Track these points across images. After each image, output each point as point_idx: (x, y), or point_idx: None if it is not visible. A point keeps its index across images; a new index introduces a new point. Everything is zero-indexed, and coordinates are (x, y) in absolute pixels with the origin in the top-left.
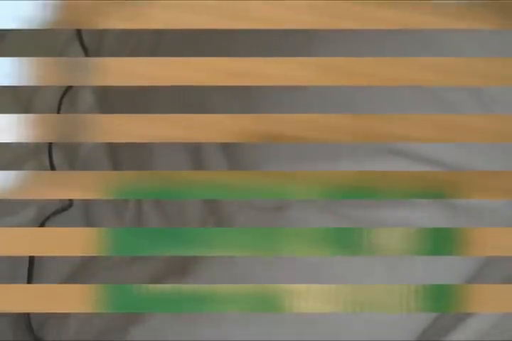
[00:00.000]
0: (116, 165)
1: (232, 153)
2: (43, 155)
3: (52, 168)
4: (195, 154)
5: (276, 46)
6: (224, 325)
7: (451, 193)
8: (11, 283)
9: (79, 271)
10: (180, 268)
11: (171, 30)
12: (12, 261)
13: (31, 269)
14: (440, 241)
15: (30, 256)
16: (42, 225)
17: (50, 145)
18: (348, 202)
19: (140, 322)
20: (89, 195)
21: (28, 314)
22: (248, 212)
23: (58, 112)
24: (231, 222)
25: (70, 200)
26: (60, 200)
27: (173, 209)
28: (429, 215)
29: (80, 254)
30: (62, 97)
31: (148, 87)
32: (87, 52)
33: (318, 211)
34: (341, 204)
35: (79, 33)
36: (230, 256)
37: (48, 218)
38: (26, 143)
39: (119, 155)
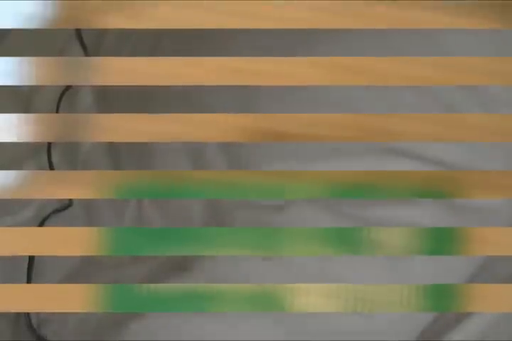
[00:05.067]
0: (116, 165)
1: (233, 153)
2: (42, 155)
3: (51, 167)
4: (196, 153)
5: (278, 45)
6: (225, 320)
7: (451, 192)
8: (10, 283)
9: (79, 270)
10: (181, 267)
11: (171, 29)
12: (12, 261)
13: (31, 269)
14: (441, 241)
15: (29, 256)
16: (41, 225)
17: (49, 144)
18: (349, 201)
19: (139, 317)
20: (89, 195)
21: (28, 313)
22: (249, 212)
23: (57, 112)
24: (232, 222)
25: (70, 200)
26: (60, 200)
27: (174, 208)
28: (429, 215)
29: (79, 254)
30: (61, 97)
31: (148, 86)
32: (86, 52)
33: (320, 210)
34: (342, 203)
35: (79, 32)
36: (231, 256)
37: (47, 217)
38: (25, 142)
39: (118, 155)
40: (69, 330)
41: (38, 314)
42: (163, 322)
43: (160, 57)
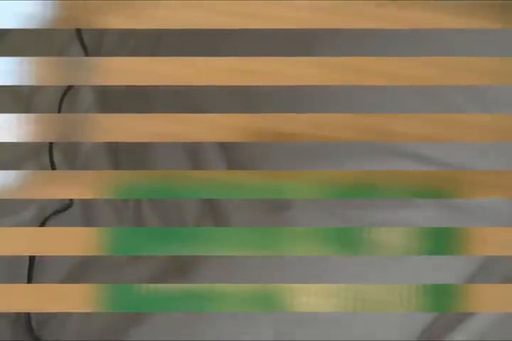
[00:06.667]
0: (116, 165)
1: (232, 153)
2: (43, 155)
3: (53, 167)
4: (195, 153)
5: (277, 45)
6: (222, 327)
7: (451, 192)
8: (11, 283)
9: (79, 270)
10: (180, 268)
11: (171, 29)
12: (12, 260)
13: (31, 269)
14: (440, 241)
15: (30, 256)
16: (42, 225)
17: (50, 144)
18: (348, 203)
19: (140, 323)
20: (89, 195)
21: (28, 314)
22: (248, 212)
23: (59, 112)
24: (230, 222)
25: (70, 200)
26: (60, 200)
27: (173, 208)
28: (429, 215)
29: (79, 254)
30: (63, 97)
31: (148, 86)
32: (87, 52)
33: (319, 211)
34: (342, 204)
35: (79, 32)
36: (230, 256)
37: (48, 218)
38: (27, 142)
39: (119, 155)
40: (69, 332)
41: (37, 314)
42: (163, 326)
43: (160, 58)
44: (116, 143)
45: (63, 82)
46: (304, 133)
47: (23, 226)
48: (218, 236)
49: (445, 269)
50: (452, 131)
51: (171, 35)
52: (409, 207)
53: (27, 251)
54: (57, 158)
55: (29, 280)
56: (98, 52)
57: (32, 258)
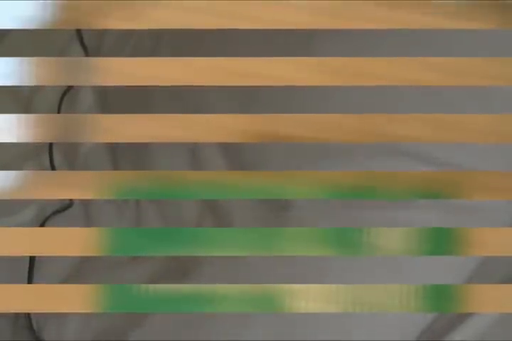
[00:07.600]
0: (116, 165)
1: (232, 153)
2: (43, 156)
3: (53, 168)
4: (195, 154)
5: (276, 46)
6: (222, 327)
7: (451, 193)
8: (11, 283)
9: (79, 270)
10: (180, 269)
11: (171, 30)
12: (12, 261)
13: (31, 269)
14: (440, 241)
15: (30, 256)
16: (42, 225)
17: (50, 145)
18: (349, 203)
19: (140, 324)
20: (89, 195)
21: (28, 314)
22: (248, 213)
23: (59, 112)
24: (230, 222)
25: (70, 200)
26: (60, 200)
27: (172, 209)
28: (429, 216)
29: (80, 254)
30: (62, 97)
31: (148, 87)
32: (87, 52)
33: (319, 212)
34: (342, 205)
35: (79, 32)
36: (231, 256)
37: (48, 218)
38: (27, 143)
39: (119, 155)
40: (69, 333)
41: (37, 314)
42: (163, 328)
43: (160, 58)
44: (117, 144)
45: (63, 82)
46: (304, 133)
47: (23, 226)
48: (219, 237)
49: (445, 269)
50: (452, 132)
51: (171, 35)
52: (409, 207)
53: (27, 251)
54: (57, 158)
55: (29, 281)
56: (98, 53)
57: (32, 259)
